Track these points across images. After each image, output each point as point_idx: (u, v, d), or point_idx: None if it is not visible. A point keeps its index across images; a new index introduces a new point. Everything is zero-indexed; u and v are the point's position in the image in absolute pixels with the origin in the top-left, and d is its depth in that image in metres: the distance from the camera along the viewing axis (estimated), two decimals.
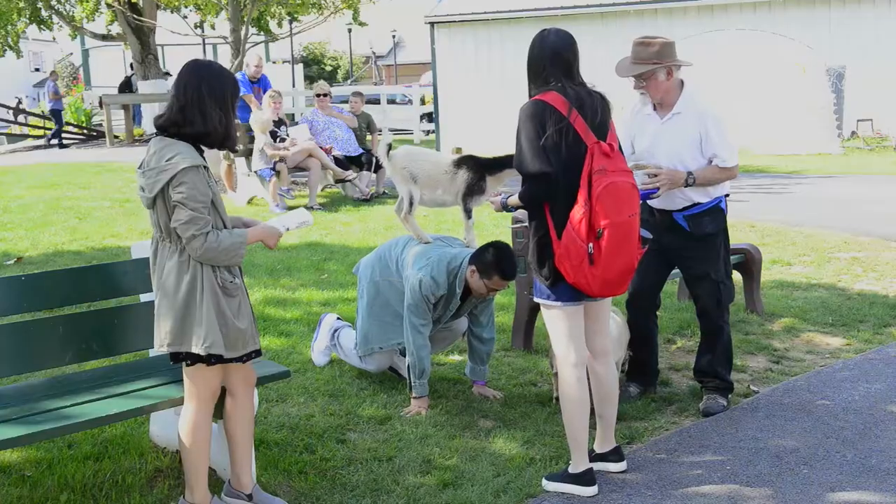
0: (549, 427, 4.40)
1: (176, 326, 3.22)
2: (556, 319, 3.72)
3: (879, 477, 3.83)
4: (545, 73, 3.62)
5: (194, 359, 3.29)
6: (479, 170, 4.74)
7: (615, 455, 3.93)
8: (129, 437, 4.23)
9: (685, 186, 4.42)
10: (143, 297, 4.13)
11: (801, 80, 18.68)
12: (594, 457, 3.89)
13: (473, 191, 4.74)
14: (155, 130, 3.30)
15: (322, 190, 11.78)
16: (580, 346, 3.74)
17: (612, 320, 4.79)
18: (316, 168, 10.83)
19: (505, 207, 3.96)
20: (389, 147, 4.84)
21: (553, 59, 3.62)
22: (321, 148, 11.02)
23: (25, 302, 3.79)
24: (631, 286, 4.81)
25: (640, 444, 4.23)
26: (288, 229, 3.55)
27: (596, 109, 3.61)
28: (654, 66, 4.36)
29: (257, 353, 3.41)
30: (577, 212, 3.49)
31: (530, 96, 3.65)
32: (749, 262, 6.46)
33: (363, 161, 11.54)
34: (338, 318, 5.34)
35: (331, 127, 11.46)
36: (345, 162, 11.39)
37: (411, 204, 4.75)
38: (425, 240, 4.79)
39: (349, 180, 11.36)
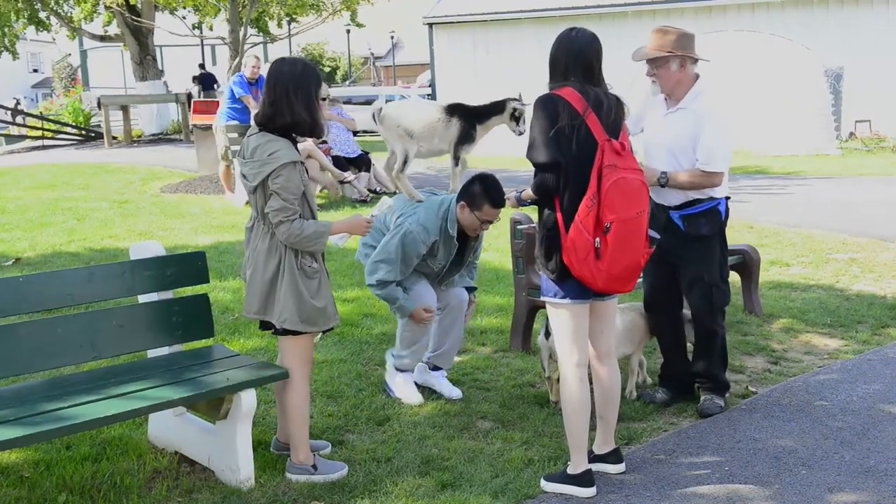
0: (548, 428, 4.40)
1: (262, 299, 3.72)
2: (562, 318, 3.72)
3: (878, 477, 3.83)
4: (566, 71, 3.63)
5: (278, 330, 3.76)
6: (470, 118, 4.72)
7: (614, 457, 3.92)
8: (127, 439, 4.22)
9: (659, 186, 4.44)
10: (142, 299, 4.13)
11: (799, 80, 18.69)
12: (593, 458, 3.88)
13: (465, 139, 4.72)
14: (235, 132, 3.69)
15: (320, 191, 11.78)
16: (584, 346, 3.74)
17: (624, 314, 4.79)
18: (315, 169, 10.82)
19: (519, 202, 3.94)
20: (379, 111, 4.78)
21: (577, 58, 3.63)
22: (319, 148, 11.02)
23: (23, 303, 3.79)
24: (645, 293, 4.83)
25: (638, 445, 4.23)
26: (374, 215, 3.92)
27: (610, 109, 3.63)
28: (667, 55, 4.38)
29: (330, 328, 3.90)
30: (585, 205, 3.50)
31: (549, 91, 3.65)
32: (747, 263, 6.47)
33: (361, 162, 11.54)
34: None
35: (329, 127, 11.46)
36: (343, 163, 11.39)
37: (405, 162, 4.72)
38: (417, 198, 4.76)
39: (348, 181, 11.36)
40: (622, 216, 3.50)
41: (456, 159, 4.74)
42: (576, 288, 3.64)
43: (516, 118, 4.68)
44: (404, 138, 4.69)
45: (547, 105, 3.58)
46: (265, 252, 3.69)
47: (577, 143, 3.53)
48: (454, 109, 4.74)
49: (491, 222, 4.57)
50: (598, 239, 3.50)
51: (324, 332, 3.91)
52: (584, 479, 3.73)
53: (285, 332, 3.76)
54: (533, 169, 3.68)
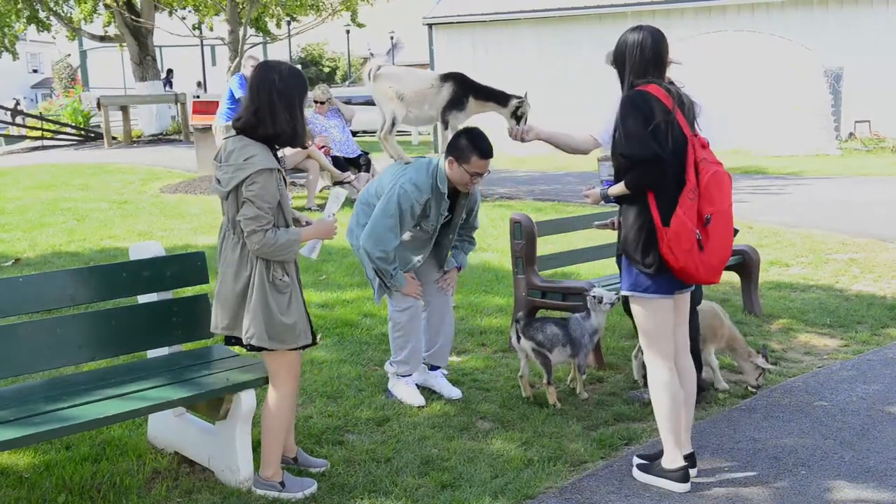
0: (548, 428, 4.41)
1: (231, 314, 3.54)
2: (651, 313, 3.72)
3: (877, 477, 3.83)
4: (642, 68, 3.63)
5: (246, 345, 3.55)
6: (465, 88, 4.71)
7: (689, 460, 3.85)
8: (126, 439, 4.22)
9: None
10: (141, 299, 4.13)
11: (799, 81, 18.69)
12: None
13: (454, 105, 4.69)
14: (234, 131, 3.53)
15: (320, 191, 11.77)
16: (671, 340, 3.78)
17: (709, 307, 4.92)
18: (314, 169, 10.83)
19: (605, 198, 3.89)
20: (378, 68, 4.77)
21: (655, 56, 3.65)
22: (318, 148, 11.01)
23: (23, 303, 3.79)
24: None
25: (637, 445, 4.23)
26: (334, 214, 3.74)
27: (689, 106, 3.69)
28: None
29: (309, 345, 3.66)
30: (687, 198, 3.55)
31: (631, 87, 3.65)
32: (747, 264, 6.47)
33: (361, 163, 11.53)
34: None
35: (328, 128, 11.46)
36: (343, 163, 11.39)
37: (393, 124, 4.71)
38: (406, 159, 4.73)
39: (348, 182, 11.35)
40: (719, 208, 3.59)
41: (445, 123, 4.73)
42: (666, 283, 3.68)
43: (518, 117, 4.67)
44: (394, 100, 4.68)
45: (640, 101, 3.59)
46: (236, 263, 3.49)
47: (672, 138, 3.57)
48: (450, 76, 4.75)
49: (481, 175, 4.54)
50: (698, 231, 3.56)
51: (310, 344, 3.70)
52: (679, 474, 3.74)
53: (253, 349, 3.58)
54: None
